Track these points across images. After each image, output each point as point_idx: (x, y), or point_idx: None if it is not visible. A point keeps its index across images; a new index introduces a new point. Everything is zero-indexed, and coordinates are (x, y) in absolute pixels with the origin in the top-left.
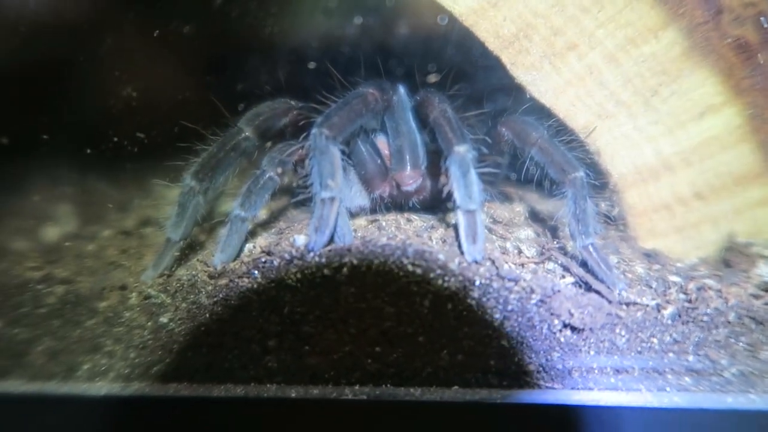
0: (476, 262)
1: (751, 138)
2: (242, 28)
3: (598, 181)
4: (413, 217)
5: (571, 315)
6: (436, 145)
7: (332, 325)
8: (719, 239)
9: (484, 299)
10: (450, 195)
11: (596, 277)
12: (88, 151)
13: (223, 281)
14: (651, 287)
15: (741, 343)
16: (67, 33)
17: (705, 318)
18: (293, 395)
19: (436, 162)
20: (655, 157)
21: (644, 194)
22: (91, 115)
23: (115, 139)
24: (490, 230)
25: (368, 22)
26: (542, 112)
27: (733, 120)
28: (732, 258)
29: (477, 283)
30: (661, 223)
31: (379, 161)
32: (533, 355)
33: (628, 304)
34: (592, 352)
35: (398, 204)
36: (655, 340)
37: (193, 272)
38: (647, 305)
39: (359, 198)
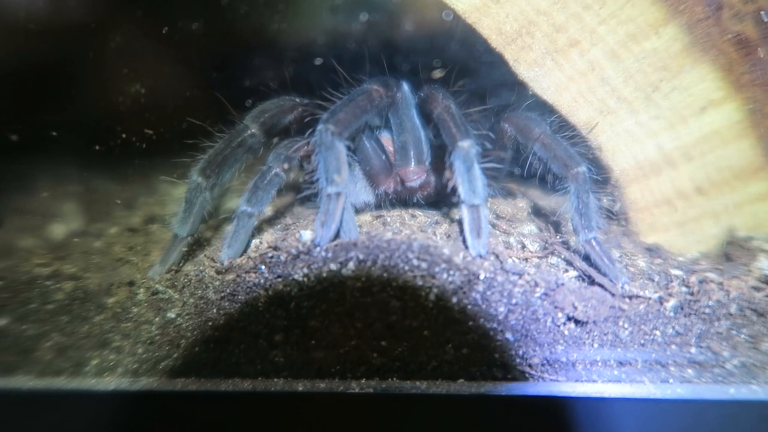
0: (481, 257)
1: (751, 133)
2: (249, 26)
3: (600, 177)
4: (417, 212)
5: (575, 308)
6: (440, 140)
7: (338, 319)
8: (720, 233)
9: (489, 293)
10: (454, 190)
11: (599, 270)
12: (96, 148)
13: (230, 276)
14: (653, 280)
15: (742, 335)
16: (74, 32)
17: (707, 310)
18: (300, 389)
19: (439, 158)
20: (657, 152)
21: (646, 189)
22: (97, 113)
23: (123, 135)
24: (493, 225)
25: (372, 18)
26: (545, 108)
27: (734, 115)
28: (733, 252)
29: (481, 277)
30: (663, 218)
31: (383, 157)
32: (537, 348)
33: (630, 297)
34: (595, 345)
35: (403, 200)
36: (657, 333)
37: (201, 268)
38: (650, 298)
39: (364, 194)
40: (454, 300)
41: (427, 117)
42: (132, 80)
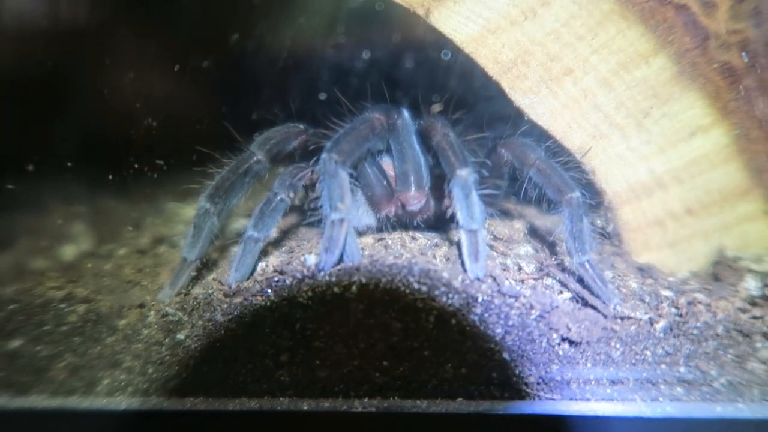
0: (479, 280)
1: (738, 157)
2: (256, 62)
3: (594, 200)
4: (418, 235)
5: (569, 329)
6: (440, 168)
7: (342, 340)
8: (710, 253)
9: (487, 315)
10: (453, 215)
11: (592, 292)
12: (110, 177)
13: (237, 299)
14: (644, 302)
15: (729, 355)
16: (88, 65)
17: (695, 331)
18: (305, 408)
19: (439, 182)
20: (648, 175)
21: (638, 211)
22: (111, 141)
23: (136, 166)
24: (491, 247)
25: (374, 50)
26: (540, 134)
27: (721, 140)
28: (721, 272)
29: (479, 299)
30: (655, 238)
31: (385, 182)
32: (533, 368)
33: (622, 319)
34: (589, 365)
35: (403, 223)
36: (648, 353)
37: (209, 291)
38: (641, 319)
39: (366, 217)
40: (453, 322)
41: (427, 143)
42: (145, 113)
